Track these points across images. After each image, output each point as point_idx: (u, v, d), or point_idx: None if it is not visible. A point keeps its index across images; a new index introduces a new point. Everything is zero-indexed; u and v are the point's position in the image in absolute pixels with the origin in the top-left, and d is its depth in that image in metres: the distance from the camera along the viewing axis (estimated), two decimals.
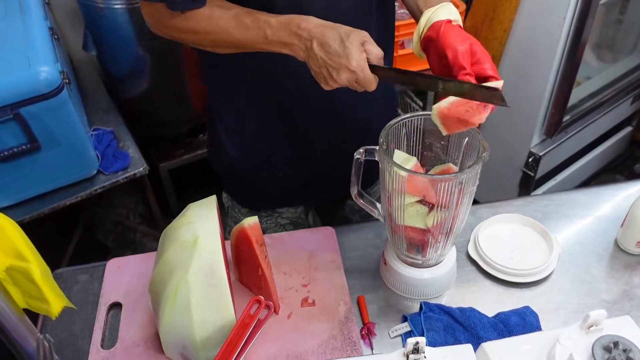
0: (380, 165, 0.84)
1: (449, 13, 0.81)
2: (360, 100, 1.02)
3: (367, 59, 0.78)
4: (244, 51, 0.88)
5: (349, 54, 0.76)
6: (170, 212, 2.14)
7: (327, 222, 1.28)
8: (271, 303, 0.81)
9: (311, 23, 0.80)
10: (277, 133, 1.06)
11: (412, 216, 0.85)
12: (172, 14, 0.86)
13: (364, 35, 0.79)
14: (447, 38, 0.78)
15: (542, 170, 2.09)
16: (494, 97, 0.75)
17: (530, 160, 2.05)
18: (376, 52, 0.78)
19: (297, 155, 1.09)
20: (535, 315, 0.89)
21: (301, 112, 1.03)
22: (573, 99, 1.98)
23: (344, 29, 0.79)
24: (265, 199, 1.17)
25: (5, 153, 1.41)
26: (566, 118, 2.00)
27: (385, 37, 1.04)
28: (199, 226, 0.82)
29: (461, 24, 0.83)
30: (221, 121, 1.09)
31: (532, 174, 2.07)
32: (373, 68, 0.78)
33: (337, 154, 1.03)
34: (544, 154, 2.02)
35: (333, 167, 1.06)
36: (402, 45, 1.85)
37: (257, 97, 1.02)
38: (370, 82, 0.79)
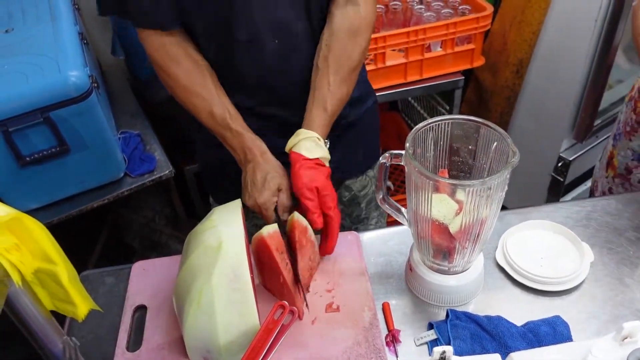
0: (406, 170, 0.83)
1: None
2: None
3: (276, 202, 0.96)
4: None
5: (262, 192, 0.95)
6: (196, 214, 2.15)
7: None
8: (295, 308, 0.80)
9: (258, 150, 0.99)
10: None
11: (440, 210, 0.83)
12: (154, 60, 1.01)
13: (284, 184, 0.97)
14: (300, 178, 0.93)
15: (571, 176, 2.05)
16: None
17: (559, 165, 2.00)
18: (283, 202, 0.96)
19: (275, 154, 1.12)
20: (566, 325, 0.86)
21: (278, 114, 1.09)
22: (604, 103, 1.93)
23: (274, 171, 0.97)
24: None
25: (35, 156, 1.44)
26: (597, 122, 1.96)
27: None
28: (223, 230, 0.82)
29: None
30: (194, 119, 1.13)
31: (562, 179, 2.02)
32: (276, 212, 0.96)
33: None
34: (573, 159, 1.98)
35: None
36: (429, 48, 1.83)
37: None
38: (269, 219, 0.96)
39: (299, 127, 1.00)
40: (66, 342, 0.74)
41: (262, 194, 0.95)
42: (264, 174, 0.96)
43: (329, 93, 0.98)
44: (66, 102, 1.41)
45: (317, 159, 0.96)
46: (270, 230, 0.88)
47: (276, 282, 0.89)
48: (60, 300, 0.71)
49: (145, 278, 0.99)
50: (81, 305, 0.71)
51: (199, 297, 0.78)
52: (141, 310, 0.95)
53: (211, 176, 1.26)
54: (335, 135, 1.11)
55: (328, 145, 1.00)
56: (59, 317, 0.75)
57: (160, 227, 2.25)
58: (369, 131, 1.24)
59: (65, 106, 1.42)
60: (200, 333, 0.79)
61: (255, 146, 0.99)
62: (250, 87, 1.04)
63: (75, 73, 1.42)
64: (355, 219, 1.30)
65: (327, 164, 0.98)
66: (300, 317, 0.89)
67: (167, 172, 1.70)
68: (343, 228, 1.06)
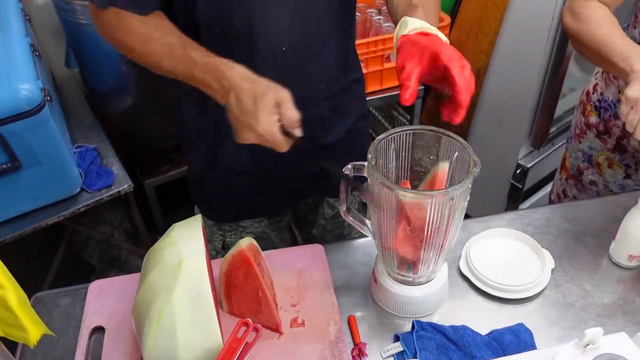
0: (369, 181, 0.83)
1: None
2: (328, 117, 1.03)
3: (281, 120, 0.77)
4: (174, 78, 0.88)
5: (258, 116, 0.75)
6: (157, 228, 2.10)
7: (300, 241, 1.27)
8: (259, 326, 0.78)
9: (236, 73, 0.79)
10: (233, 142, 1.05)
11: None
12: (109, 22, 0.88)
13: (282, 96, 0.77)
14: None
15: (530, 182, 2.09)
16: None
17: (518, 172, 2.05)
18: (290, 116, 0.76)
19: (254, 165, 1.07)
20: (530, 333, 0.87)
21: None
22: (559, 111, 1.98)
23: (262, 87, 0.77)
24: (227, 209, 1.15)
25: None
26: (552, 129, 2.01)
27: (345, 53, 1.06)
28: (184, 247, 0.80)
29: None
30: (183, 128, 1.08)
31: (520, 186, 2.07)
32: (285, 132, 0.77)
33: (294, 166, 1.03)
34: (531, 166, 2.02)
35: (292, 177, 1.08)
36: (388, 59, 1.84)
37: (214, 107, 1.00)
38: (281, 145, 0.78)
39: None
40: None
41: (259, 119, 0.75)
42: (252, 94, 0.76)
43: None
44: (17, 116, 1.36)
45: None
46: (247, 242, 0.87)
47: (251, 300, 0.87)
48: (10, 325, 0.67)
49: (103, 298, 0.95)
50: (32, 330, 0.67)
51: (159, 317, 0.75)
52: (99, 331, 0.91)
53: (204, 195, 1.17)
54: (323, 152, 1.09)
55: None
56: (11, 342, 0.71)
57: (119, 243, 2.19)
58: (356, 146, 1.18)
59: (16, 120, 1.36)
60: (161, 354, 0.76)
61: (229, 69, 0.79)
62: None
63: (26, 86, 1.37)
64: (338, 235, 1.28)
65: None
66: (280, 332, 0.88)
67: (125, 186, 1.66)
68: (325, 244, 1.05)
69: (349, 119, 1.12)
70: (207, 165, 1.09)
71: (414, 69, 0.76)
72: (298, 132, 0.78)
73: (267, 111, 0.75)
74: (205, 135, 1.06)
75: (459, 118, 0.77)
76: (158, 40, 0.85)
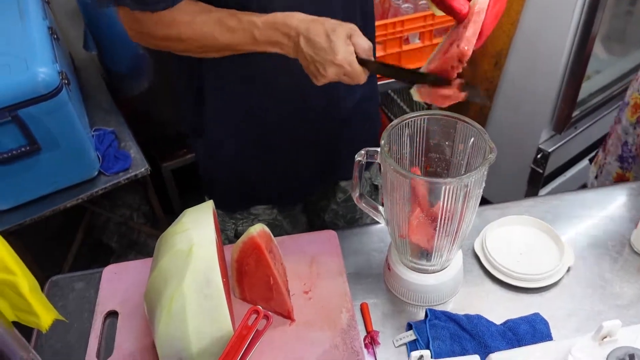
0: (382, 168, 0.81)
1: None
2: (335, 99, 1.00)
3: (355, 51, 0.78)
4: (233, 53, 0.86)
5: (335, 49, 0.76)
6: (174, 211, 2.11)
7: (312, 227, 1.26)
8: (270, 313, 0.78)
9: (296, 19, 0.79)
10: (244, 128, 1.04)
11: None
12: (149, 22, 0.84)
13: (351, 27, 0.78)
14: None
15: (551, 167, 2.05)
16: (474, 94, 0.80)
17: (538, 156, 2.00)
18: (363, 45, 0.78)
19: (265, 151, 1.07)
20: (546, 323, 0.85)
21: (273, 110, 1.02)
22: (582, 94, 1.93)
23: (330, 22, 0.78)
24: (238, 196, 1.15)
25: (5, 155, 1.39)
26: (575, 113, 1.96)
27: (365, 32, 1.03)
28: (194, 233, 0.79)
29: None
30: (185, 121, 1.09)
31: (541, 171, 2.02)
32: (361, 62, 0.79)
33: (305, 152, 1.02)
34: (553, 150, 1.98)
35: (301, 164, 1.07)
36: (407, 40, 1.81)
37: (227, 94, 1.00)
38: (359, 75, 0.79)
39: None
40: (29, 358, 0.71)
41: (336, 50, 0.76)
42: (322, 32, 0.77)
43: None
44: (35, 99, 1.37)
45: None
46: (259, 229, 0.86)
47: (263, 287, 0.87)
48: (22, 311, 0.68)
49: (117, 282, 0.96)
50: (44, 316, 0.68)
51: (170, 304, 0.75)
52: (112, 316, 0.92)
53: (215, 183, 1.17)
54: (333, 134, 1.08)
55: None
56: (27, 327, 0.72)
57: (138, 226, 2.21)
58: (367, 130, 1.18)
59: (35, 104, 1.37)
60: (172, 340, 0.76)
61: (288, 18, 0.79)
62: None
63: (44, 70, 1.38)
64: (350, 220, 1.27)
65: None
66: (292, 319, 0.88)
67: (142, 169, 1.67)
68: (337, 229, 1.04)
69: (356, 94, 1.10)
70: (215, 153, 1.09)
71: None
72: (372, 59, 0.80)
73: (343, 42, 0.77)
74: (208, 127, 1.06)
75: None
76: (206, 21, 0.83)
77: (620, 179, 1.35)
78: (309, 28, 0.77)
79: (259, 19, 0.80)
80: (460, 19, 0.81)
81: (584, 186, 1.41)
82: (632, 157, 1.31)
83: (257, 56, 0.85)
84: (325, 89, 0.86)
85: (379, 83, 1.84)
